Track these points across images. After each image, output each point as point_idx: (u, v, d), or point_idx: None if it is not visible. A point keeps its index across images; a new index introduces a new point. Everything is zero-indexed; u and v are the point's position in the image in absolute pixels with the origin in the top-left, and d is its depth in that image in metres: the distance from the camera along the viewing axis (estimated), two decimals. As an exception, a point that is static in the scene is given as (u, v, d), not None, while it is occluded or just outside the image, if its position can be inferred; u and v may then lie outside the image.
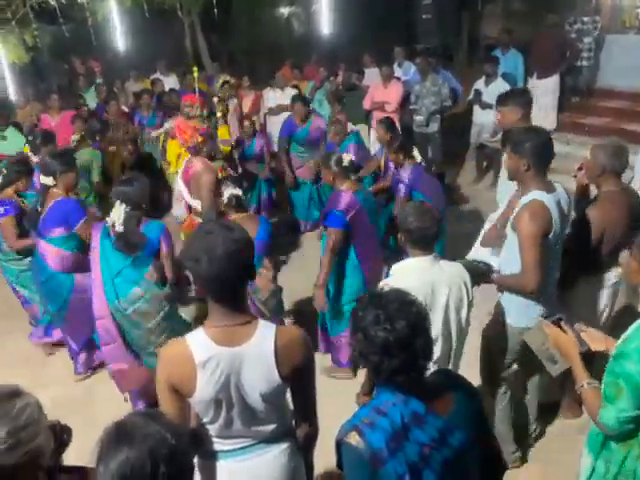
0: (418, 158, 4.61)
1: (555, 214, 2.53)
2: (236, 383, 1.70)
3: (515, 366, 2.91)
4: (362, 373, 3.67)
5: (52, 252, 3.70)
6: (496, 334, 2.86)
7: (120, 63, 10.13)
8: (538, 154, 2.54)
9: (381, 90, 6.83)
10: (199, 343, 1.68)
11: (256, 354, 1.69)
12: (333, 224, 3.54)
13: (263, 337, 1.71)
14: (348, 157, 3.64)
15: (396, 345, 1.47)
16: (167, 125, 6.18)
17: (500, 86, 6.33)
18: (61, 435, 1.66)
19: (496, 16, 11.80)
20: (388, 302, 1.54)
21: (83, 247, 3.70)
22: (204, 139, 4.25)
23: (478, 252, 3.09)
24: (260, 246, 3.29)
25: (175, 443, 1.27)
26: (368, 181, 5.37)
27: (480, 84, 6.58)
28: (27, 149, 5.12)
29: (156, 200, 6.06)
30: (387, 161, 5.12)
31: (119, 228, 3.18)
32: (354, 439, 1.49)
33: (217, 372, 1.67)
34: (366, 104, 6.94)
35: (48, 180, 3.63)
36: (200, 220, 4.10)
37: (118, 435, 1.26)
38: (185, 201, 4.46)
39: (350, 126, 6.16)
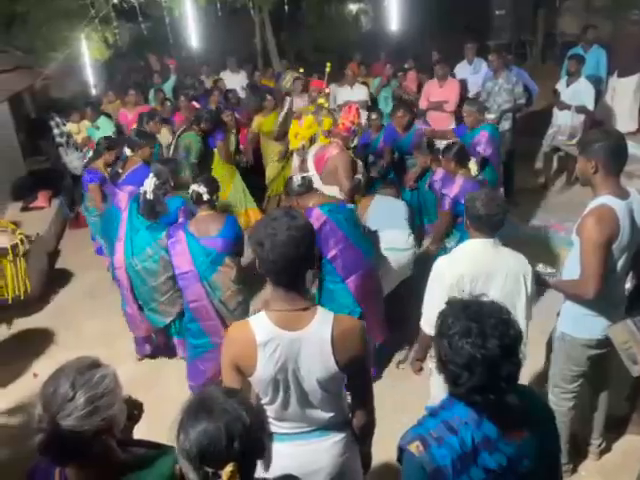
0: (473, 171, 4.22)
1: (625, 222, 2.41)
2: (294, 367, 1.76)
3: (581, 380, 2.79)
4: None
5: (125, 200, 4.25)
6: (559, 344, 2.77)
7: (193, 60, 10.47)
8: (608, 157, 2.41)
9: (437, 89, 6.64)
10: (261, 325, 1.77)
11: (314, 340, 1.75)
12: None
13: (321, 324, 1.76)
14: (297, 177, 3.64)
15: (482, 363, 1.39)
16: (287, 105, 6.49)
17: (583, 86, 6.04)
18: (132, 410, 1.74)
19: (574, 12, 11.29)
20: (484, 316, 1.44)
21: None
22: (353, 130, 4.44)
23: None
24: (222, 244, 3.46)
25: (250, 422, 1.33)
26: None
27: (562, 84, 6.29)
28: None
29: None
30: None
31: (149, 195, 3.91)
32: (417, 449, 1.47)
33: (276, 354, 1.74)
34: (422, 104, 6.77)
35: (129, 151, 4.60)
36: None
37: (199, 407, 1.34)
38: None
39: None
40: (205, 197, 3.55)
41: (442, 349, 1.47)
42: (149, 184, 3.91)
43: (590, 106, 5.98)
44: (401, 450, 1.54)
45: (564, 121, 6.14)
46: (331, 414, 1.88)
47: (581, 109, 6.00)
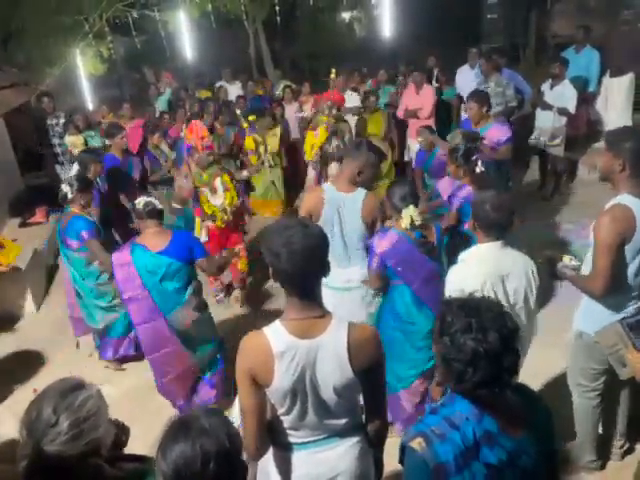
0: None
1: None
2: (311, 375, 1.76)
3: (604, 377, 2.77)
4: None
5: None
6: (577, 343, 2.77)
7: (188, 72, 10.52)
8: (637, 156, 2.42)
9: (414, 97, 6.69)
10: (277, 334, 1.75)
11: (330, 347, 1.74)
12: None
13: (336, 331, 1.76)
14: (141, 200, 3.34)
15: (485, 357, 1.42)
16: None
17: (566, 89, 6.07)
18: (120, 435, 1.70)
19: (566, 14, 11.34)
20: (482, 311, 1.48)
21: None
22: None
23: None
24: (67, 238, 3.92)
25: (228, 444, 1.30)
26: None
27: (546, 86, 6.32)
28: None
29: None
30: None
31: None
32: (419, 446, 1.47)
33: (294, 363, 1.73)
34: (399, 113, 6.79)
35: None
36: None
37: (178, 428, 1.32)
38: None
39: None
40: (69, 196, 3.85)
41: (444, 347, 1.48)
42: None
43: (572, 109, 6.00)
44: (403, 448, 1.54)
45: (546, 123, 6.16)
46: (346, 419, 1.88)
47: (563, 111, 6.02)
